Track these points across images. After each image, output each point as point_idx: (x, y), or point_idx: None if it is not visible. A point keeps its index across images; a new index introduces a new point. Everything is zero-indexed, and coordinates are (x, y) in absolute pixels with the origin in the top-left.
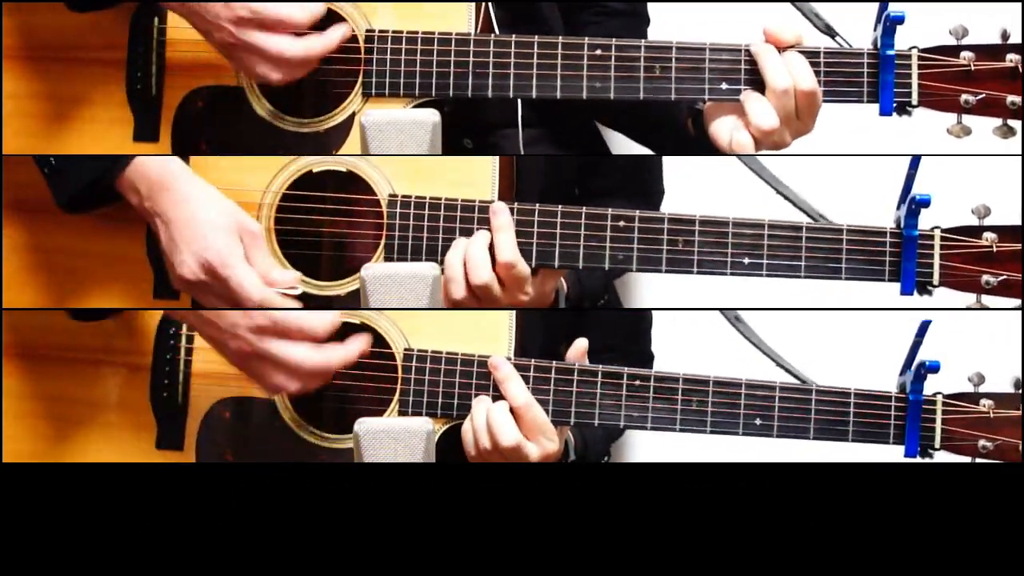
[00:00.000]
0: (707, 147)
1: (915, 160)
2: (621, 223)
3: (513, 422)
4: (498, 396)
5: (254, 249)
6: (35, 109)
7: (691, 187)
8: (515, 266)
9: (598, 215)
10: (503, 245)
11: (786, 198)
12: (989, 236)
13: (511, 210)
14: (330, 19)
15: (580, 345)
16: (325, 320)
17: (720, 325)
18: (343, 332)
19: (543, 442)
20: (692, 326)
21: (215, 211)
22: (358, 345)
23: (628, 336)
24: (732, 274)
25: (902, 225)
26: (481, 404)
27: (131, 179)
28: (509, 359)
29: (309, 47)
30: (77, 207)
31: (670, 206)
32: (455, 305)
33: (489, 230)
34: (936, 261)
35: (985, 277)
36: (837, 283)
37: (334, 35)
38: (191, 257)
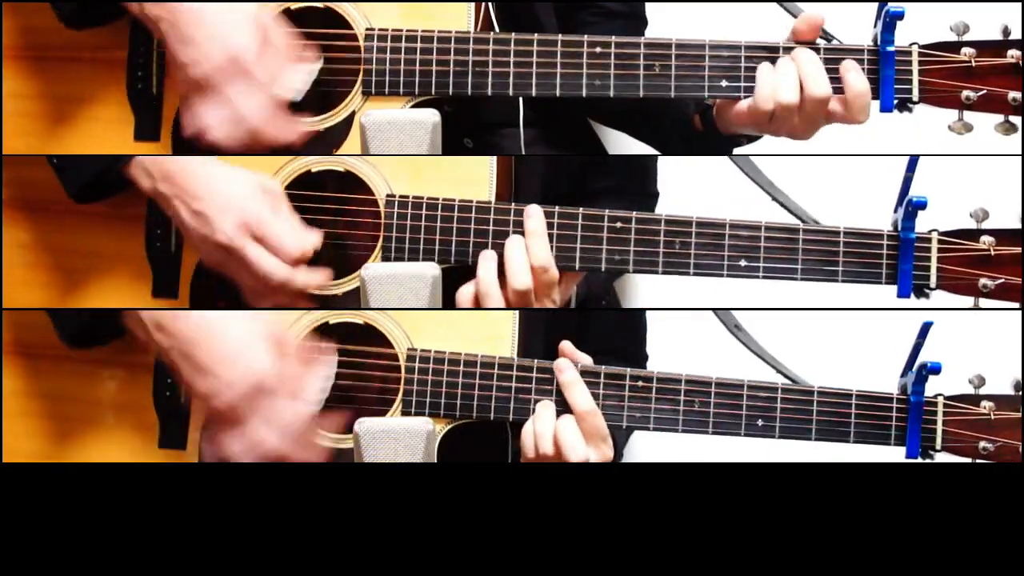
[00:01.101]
0: (714, 144)
1: (912, 161)
2: (618, 224)
3: (581, 436)
4: (504, 395)
5: (278, 207)
6: (35, 109)
7: (687, 189)
8: (548, 270)
9: (595, 216)
10: (537, 249)
11: (782, 204)
12: (987, 239)
13: (509, 211)
14: (326, 22)
15: (565, 349)
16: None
17: (717, 330)
18: (342, 339)
19: (603, 448)
20: (689, 330)
21: (237, 176)
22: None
23: (626, 338)
24: (729, 276)
25: (899, 227)
26: (547, 410)
27: (142, 163)
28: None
29: (269, 124)
30: (87, 196)
31: (665, 208)
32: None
33: (522, 234)
34: (933, 264)
35: (983, 280)
36: (835, 285)
37: (296, 128)
38: (227, 221)
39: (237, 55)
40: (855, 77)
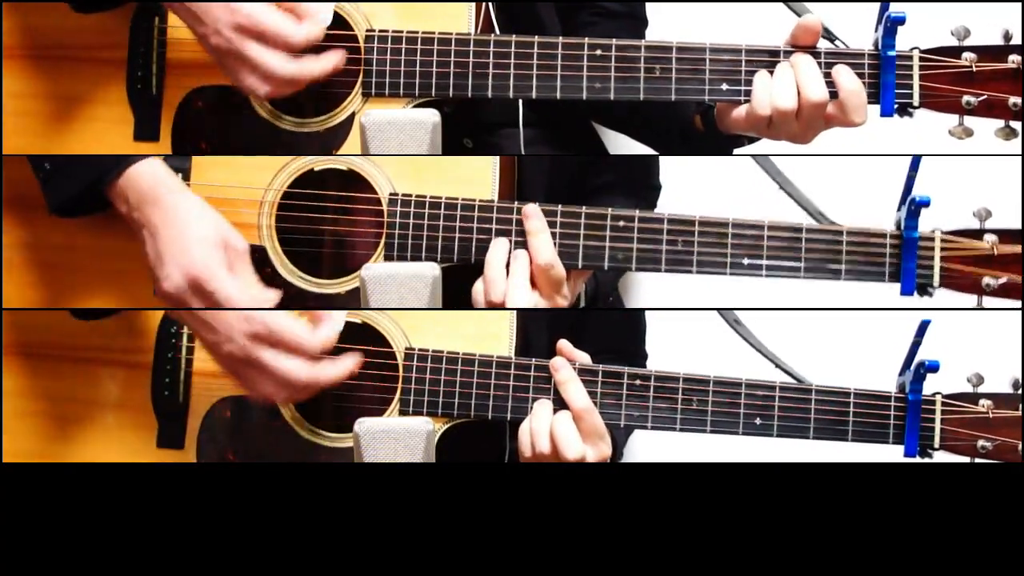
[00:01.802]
0: (715, 144)
1: (915, 161)
2: (621, 223)
3: (578, 434)
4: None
5: (238, 265)
6: (35, 109)
7: (690, 185)
8: (553, 267)
9: (598, 215)
10: (540, 247)
11: (789, 195)
12: (990, 239)
13: (512, 209)
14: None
15: (563, 348)
16: (320, 337)
17: (716, 327)
18: (341, 338)
19: (601, 446)
20: (689, 328)
21: (202, 225)
22: (349, 363)
23: (626, 337)
24: (732, 274)
25: (902, 226)
26: (544, 408)
27: (122, 188)
28: (525, 360)
29: (301, 69)
30: (68, 212)
31: (668, 204)
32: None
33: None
34: (936, 263)
35: (986, 280)
36: (837, 284)
37: (328, 61)
38: (177, 271)
39: (244, 18)
40: (847, 77)
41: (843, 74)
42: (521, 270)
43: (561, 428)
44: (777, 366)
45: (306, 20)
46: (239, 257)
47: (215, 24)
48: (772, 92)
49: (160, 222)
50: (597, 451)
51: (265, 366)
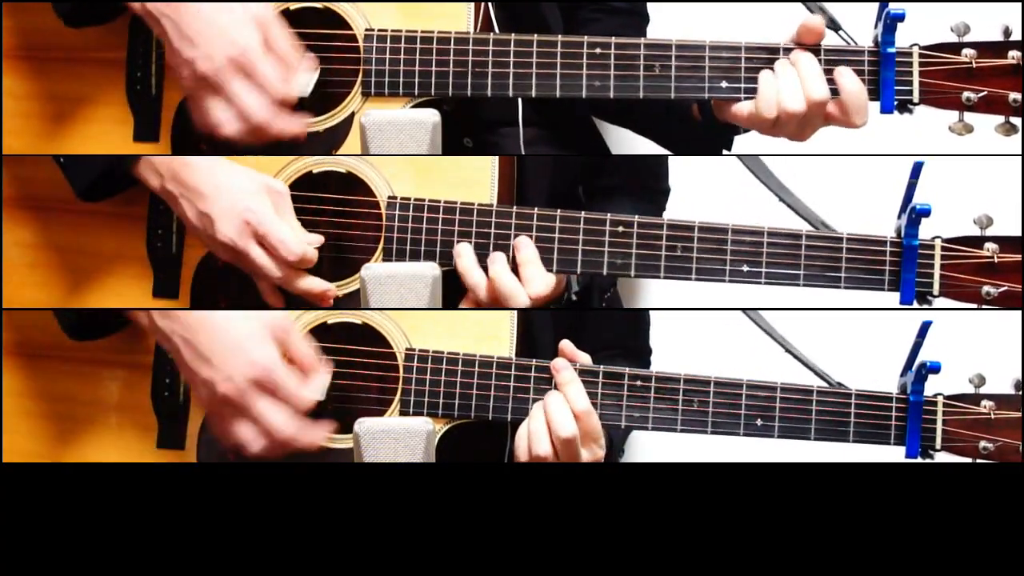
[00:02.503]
0: (713, 132)
1: (916, 168)
2: (620, 228)
3: (571, 413)
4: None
5: (282, 207)
6: (35, 109)
7: (696, 187)
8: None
9: (597, 220)
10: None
11: (789, 206)
12: (990, 247)
13: (510, 213)
14: (326, 22)
15: (566, 348)
16: (310, 392)
17: (721, 320)
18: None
19: (594, 449)
20: (693, 323)
21: (242, 176)
22: (323, 432)
23: (628, 333)
24: (731, 281)
25: (902, 234)
26: (541, 411)
27: (151, 162)
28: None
29: (272, 120)
30: (95, 194)
31: (674, 205)
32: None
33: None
34: (936, 271)
35: (986, 288)
36: (836, 291)
37: (297, 123)
38: (230, 221)
39: (239, 53)
40: (849, 78)
41: (845, 75)
42: (503, 270)
43: (555, 409)
44: (787, 350)
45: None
46: (282, 199)
47: (209, 53)
48: (779, 94)
49: (201, 182)
50: (591, 453)
51: (256, 414)
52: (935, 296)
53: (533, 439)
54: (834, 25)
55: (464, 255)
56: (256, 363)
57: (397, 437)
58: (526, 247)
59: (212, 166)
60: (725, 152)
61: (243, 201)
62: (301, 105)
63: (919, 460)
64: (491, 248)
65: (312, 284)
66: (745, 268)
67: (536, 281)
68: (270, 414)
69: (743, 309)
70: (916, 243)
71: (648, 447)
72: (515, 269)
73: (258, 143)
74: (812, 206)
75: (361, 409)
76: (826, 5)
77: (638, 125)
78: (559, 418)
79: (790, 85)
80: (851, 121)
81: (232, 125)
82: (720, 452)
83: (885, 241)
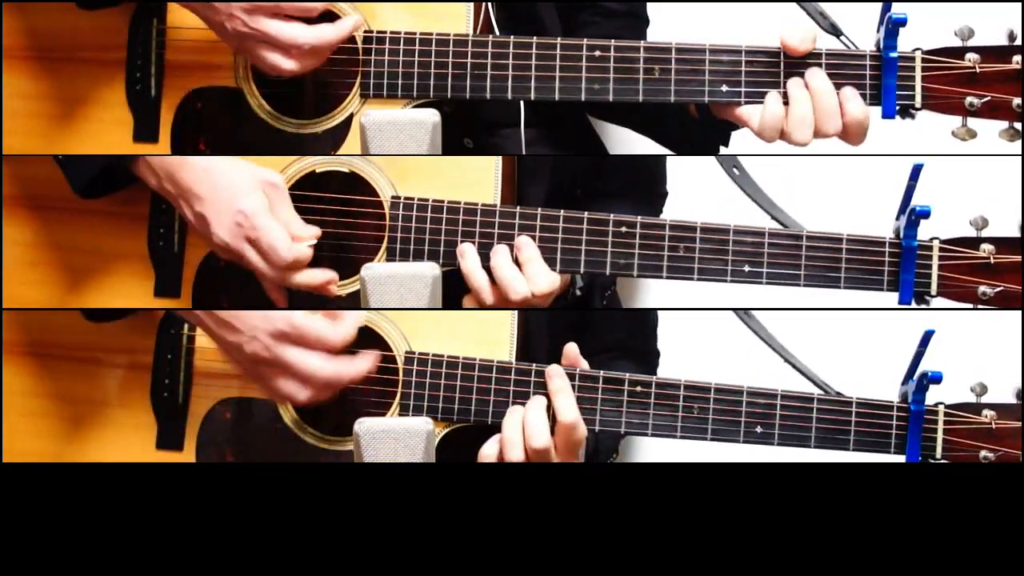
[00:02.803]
0: (710, 130)
1: (916, 170)
2: (623, 229)
3: (548, 426)
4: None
5: (278, 203)
6: (35, 109)
7: (694, 189)
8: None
9: (600, 221)
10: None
11: (780, 223)
12: (987, 247)
13: (514, 214)
14: (328, 21)
15: (570, 352)
16: (341, 332)
17: (726, 322)
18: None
19: (569, 459)
20: (697, 325)
21: (236, 174)
22: (368, 361)
23: (634, 334)
24: (732, 281)
25: (901, 235)
26: (514, 416)
27: (149, 161)
28: (522, 365)
29: (321, 35)
30: (94, 192)
31: (672, 209)
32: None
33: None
34: (934, 272)
35: (983, 288)
36: (837, 292)
37: (346, 24)
38: (223, 223)
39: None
40: (855, 105)
41: (851, 100)
42: (505, 262)
43: (532, 416)
44: (786, 360)
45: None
46: (278, 193)
47: (229, 10)
48: (788, 124)
49: (197, 183)
50: (563, 460)
51: (289, 364)
52: (933, 296)
53: (507, 446)
54: (835, 31)
55: (468, 256)
56: (270, 316)
57: (397, 437)
58: (528, 246)
59: (207, 166)
60: (722, 151)
61: (236, 202)
62: (300, 108)
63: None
64: (494, 248)
65: (311, 277)
66: (746, 268)
67: (539, 278)
68: (305, 360)
69: (741, 309)
70: (915, 244)
71: (647, 451)
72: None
73: (322, 59)
74: (808, 207)
75: (361, 412)
76: (823, 6)
77: (635, 124)
78: (534, 427)
79: (802, 119)
80: (850, 142)
81: (288, 63)
82: (719, 453)
83: (884, 242)
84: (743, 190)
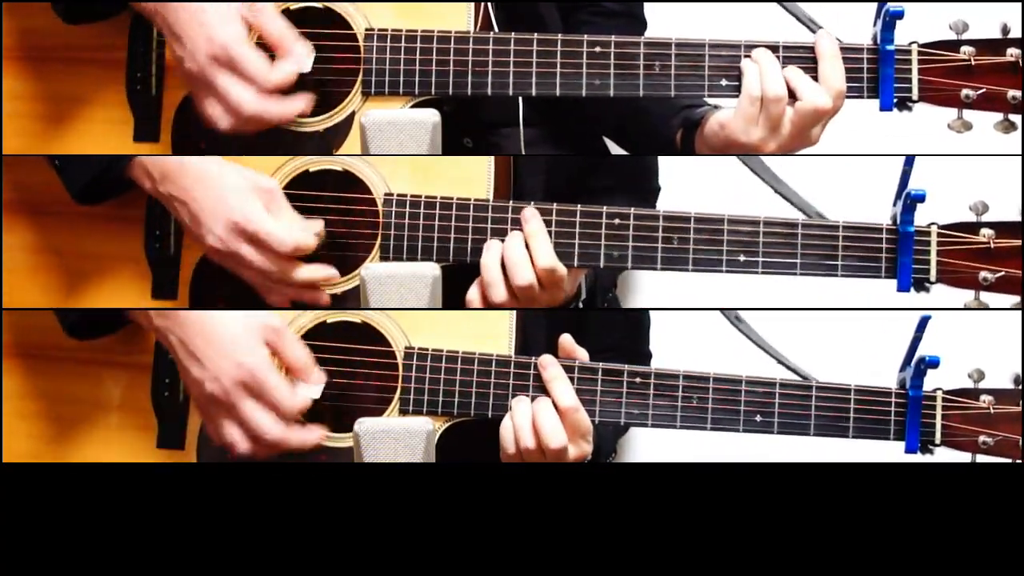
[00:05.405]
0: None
1: (910, 157)
2: (616, 220)
3: (561, 424)
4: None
5: (274, 204)
6: (35, 109)
7: (687, 186)
8: (555, 270)
9: (593, 213)
10: (540, 250)
11: (785, 197)
12: (987, 232)
13: (507, 208)
14: (326, 22)
15: (565, 343)
16: (298, 401)
17: (718, 324)
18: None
19: (581, 444)
20: (690, 325)
21: (230, 177)
22: (316, 434)
23: (628, 335)
24: (728, 271)
25: (898, 221)
26: (521, 404)
27: (143, 164)
28: (515, 357)
29: (266, 109)
30: (90, 197)
31: (666, 203)
32: (493, 308)
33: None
34: (933, 257)
35: (983, 273)
36: (835, 280)
37: (293, 106)
38: (217, 225)
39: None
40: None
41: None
42: (518, 243)
43: (544, 419)
44: (779, 362)
45: (285, 60)
46: (272, 196)
47: (193, 51)
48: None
49: (190, 187)
50: (578, 449)
51: (242, 416)
52: (932, 283)
53: (519, 433)
54: (813, 27)
55: (492, 249)
56: (243, 365)
57: (397, 437)
58: (533, 218)
59: (201, 168)
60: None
61: (230, 203)
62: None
63: (919, 455)
64: None
65: (313, 272)
66: (742, 258)
67: (543, 252)
68: (256, 416)
69: (740, 309)
70: (912, 229)
71: (648, 443)
72: None
73: (260, 130)
74: (808, 199)
75: (360, 408)
76: (802, 6)
77: (627, 148)
78: (549, 428)
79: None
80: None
81: (224, 122)
82: (719, 449)
83: (881, 228)
84: (752, 170)
